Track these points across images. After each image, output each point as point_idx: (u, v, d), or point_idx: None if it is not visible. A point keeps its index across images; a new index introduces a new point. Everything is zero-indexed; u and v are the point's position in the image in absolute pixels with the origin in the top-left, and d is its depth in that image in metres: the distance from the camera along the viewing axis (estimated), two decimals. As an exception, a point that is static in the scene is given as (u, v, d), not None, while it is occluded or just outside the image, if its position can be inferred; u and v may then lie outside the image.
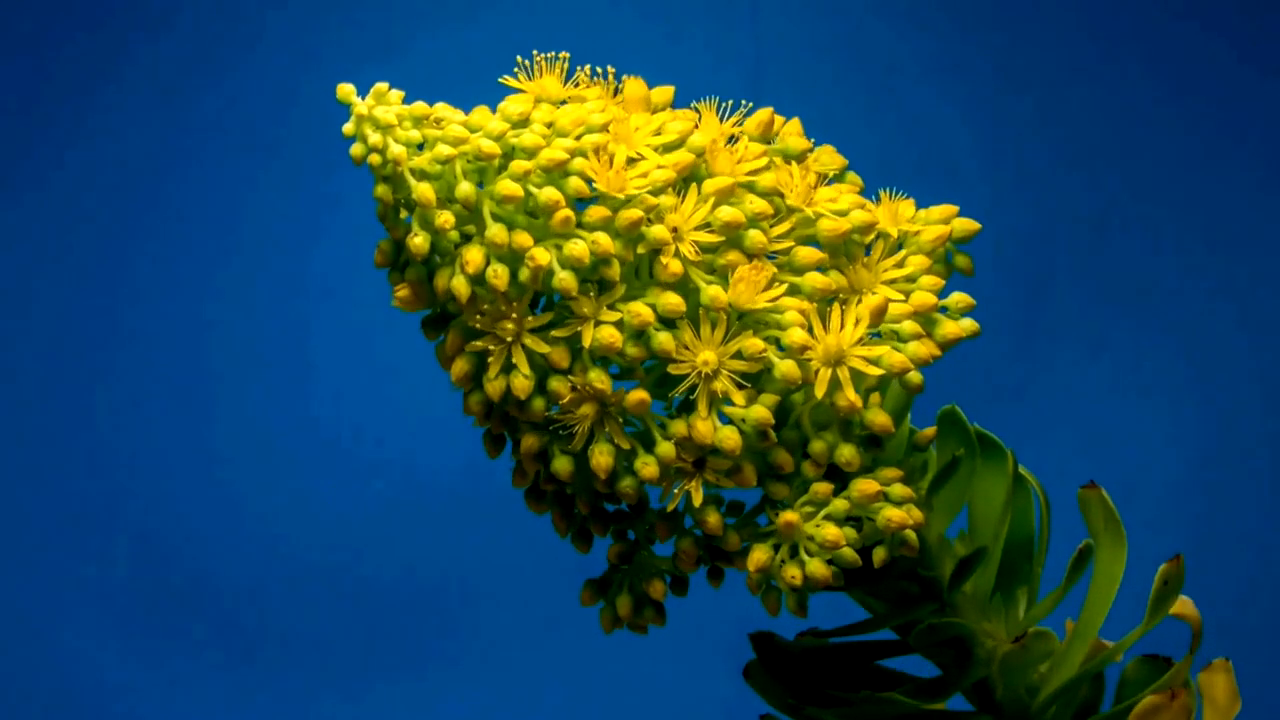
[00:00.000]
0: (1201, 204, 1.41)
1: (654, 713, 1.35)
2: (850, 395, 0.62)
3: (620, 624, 0.69)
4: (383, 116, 0.62)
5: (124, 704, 1.38)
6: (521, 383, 0.63)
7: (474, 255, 0.62)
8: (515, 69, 0.67)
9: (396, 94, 0.63)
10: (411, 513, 1.41)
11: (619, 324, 0.62)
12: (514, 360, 0.63)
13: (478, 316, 0.64)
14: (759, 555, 0.64)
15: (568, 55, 0.67)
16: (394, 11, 1.45)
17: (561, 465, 0.65)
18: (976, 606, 0.71)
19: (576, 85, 0.67)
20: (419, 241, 0.63)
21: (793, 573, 0.64)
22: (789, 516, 0.64)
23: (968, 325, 0.66)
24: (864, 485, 0.64)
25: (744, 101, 0.67)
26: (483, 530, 1.37)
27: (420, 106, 0.63)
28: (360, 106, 0.63)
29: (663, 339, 0.63)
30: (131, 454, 1.43)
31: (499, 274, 0.62)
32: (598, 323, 0.63)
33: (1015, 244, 1.38)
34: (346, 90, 0.63)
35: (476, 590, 1.40)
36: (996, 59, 1.43)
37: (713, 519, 0.65)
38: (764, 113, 0.68)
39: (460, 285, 0.62)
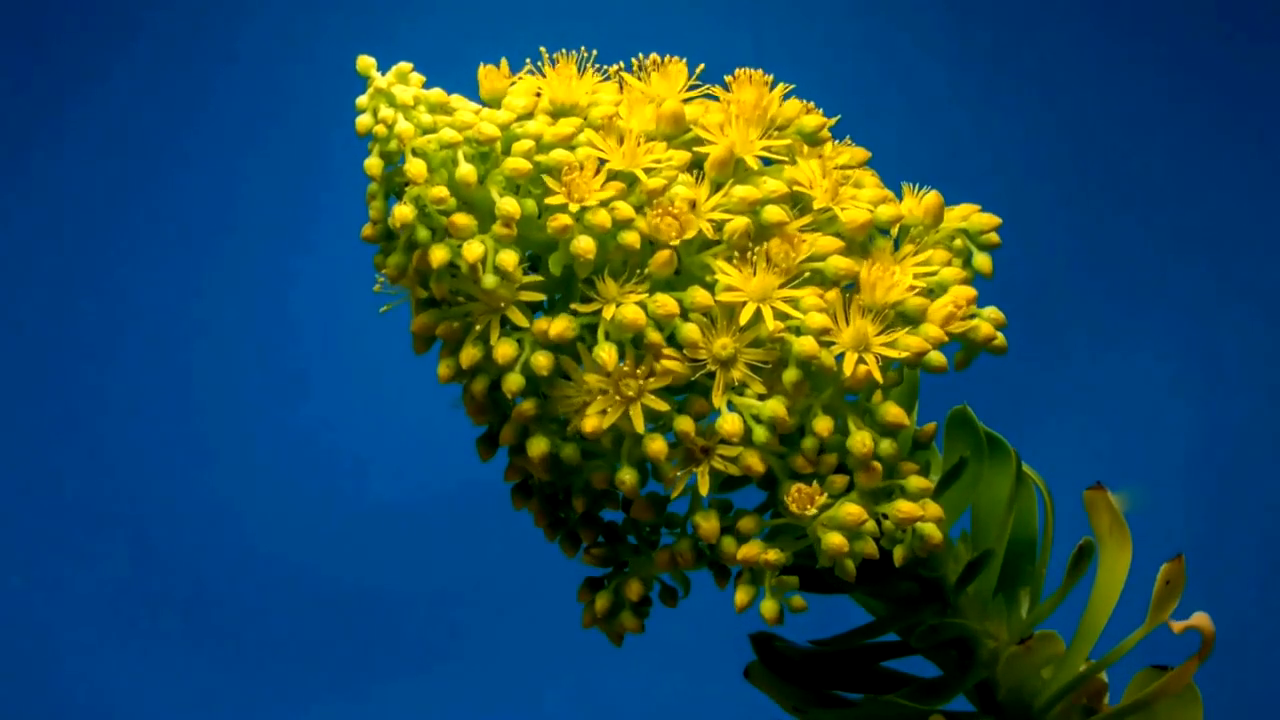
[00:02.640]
0: (1207, 204, 1.42)
1: (657, 717, 1.34)
2: (876, 374, 0.62)
3: (596, 622, 0.68)
4: (400, 95, 0.62)
5: (121, 709, 1.36)
6: (505, 350, 0.62)
7: (463, 220, 0.61)
8: (528, 64, 0.66)
9: (418, 77, 0.62)
10: (413, 517, 1.40)
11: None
12: (490, 330, 0.62)
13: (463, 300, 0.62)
14: (750, 549, 0.63)
15: (595, 53, 0.66)
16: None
17: (537, 446, 0.63)
18: (979, 607, 0.70)
19: (604, 79, 0.66)
20: (405, 210, 0.61)
21: (773, 556, 0.62)
22: (799, 486, 0.62)
23: (1000, 338, 0.66)
24: (866, 473, 0.63)
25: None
26: (485, 534, 1.35)
27: (438, 93, 0.63)
28: (380, 81, 0.62)
29: (688, 329, 0.62)
30: (127, 458, 1.41)
31: (472, 250, 0.60)
32: (620, 304, 0.62)
33: (1020, 244, 1.38)
34: (367, 62, 0.62)
35: (478, 594, 1.38)
36: (1003, 56, 1.44)
37: (707, 525, 0.63)
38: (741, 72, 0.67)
39: (439, 254, 0.61)
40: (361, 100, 0.62)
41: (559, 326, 0.62)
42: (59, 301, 1.43)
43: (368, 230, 0.64)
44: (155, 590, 1.39)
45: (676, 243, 0.62)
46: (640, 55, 0.67)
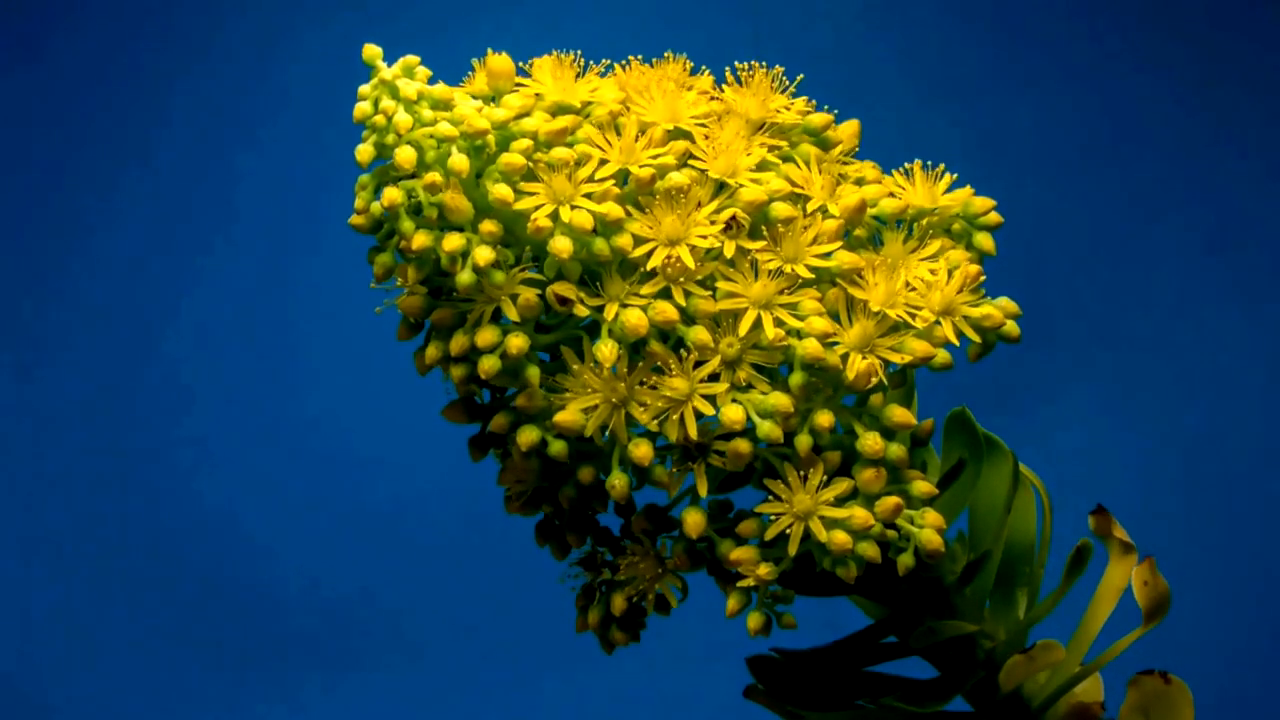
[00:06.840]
0: (1205, 208, 1.42)
1: (657, 715, 1.33)
2: (881, 375, 0.61)
3: (587, 628, 0.67)
4: (405, 89, 0.61)
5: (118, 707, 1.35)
6: (487, 336, 0.61)
7: (456, 202, 0.60)
8: (530, 66, 0.65)
9: (424, 71, 0.62)
10: (412, 519, 1.39)
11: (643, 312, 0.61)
12: (482, 319, 0.61)
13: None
14: (743, 552, 0.63)
15: (608, 62, 0.65)
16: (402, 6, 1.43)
17: (527, 434, 0.62)
18: (976, 608, 0.70)
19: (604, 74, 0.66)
20: (394, 192, 0.60)
21: (764, 571, 0.62)
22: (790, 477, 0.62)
23: (1012, 325, 0.65)
24: (867, 472, 0.62)
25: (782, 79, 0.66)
26: (483, 537, 1.35)
27: (442, 89, 0.62)
28: (385, 72, 0.61)
29: (697, 331, 0.61)
30: (125, 457, 1.40)
31: (451, 242, 0.60)
32: (624, 304, 0.61)
33: (1019, 244, 1.38)
34: (373, 52, 0.61)
35: (475, 594, 1.38)
36: (996, 63, 1.44)
37: (692, 520, 0.63)
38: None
39: (420, 239, 0.60)
40: (364, 89, 0.61)
41: (527, 293, 0.61)
42: (58, 301, 1.42)
43: (355, 219, 0.63)
44: (153, 589, 1.38)
45: (683, 281, 0.61)
46: (632, 57, 0.66)
